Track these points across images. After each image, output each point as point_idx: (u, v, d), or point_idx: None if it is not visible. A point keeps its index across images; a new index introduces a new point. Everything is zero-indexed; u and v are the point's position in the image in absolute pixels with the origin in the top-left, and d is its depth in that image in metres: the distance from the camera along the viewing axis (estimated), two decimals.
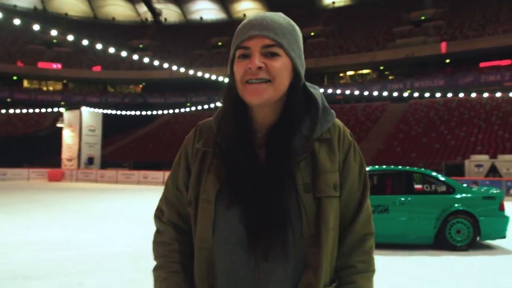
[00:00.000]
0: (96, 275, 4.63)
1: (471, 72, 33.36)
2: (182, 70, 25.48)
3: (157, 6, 58.13)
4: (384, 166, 7.76)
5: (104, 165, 29.45)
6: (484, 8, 37.47)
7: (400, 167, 7.13)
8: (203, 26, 55.77)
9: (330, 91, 29.11)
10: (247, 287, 0.91)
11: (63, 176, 27.06)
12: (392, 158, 24.49)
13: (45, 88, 47.16)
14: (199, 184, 0.97)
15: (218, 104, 31.03)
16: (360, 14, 45.41)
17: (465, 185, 6.89)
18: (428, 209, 6.34)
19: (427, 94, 29.26)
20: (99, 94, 45.94)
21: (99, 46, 23.42)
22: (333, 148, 0.97)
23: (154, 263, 1.03)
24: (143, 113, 35.91)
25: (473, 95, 25.90)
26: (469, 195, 6.47)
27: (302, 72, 0.97)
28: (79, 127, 28.22)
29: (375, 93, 27.96)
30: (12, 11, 44.05)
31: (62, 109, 30.80)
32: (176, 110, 34.61)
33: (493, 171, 17.66)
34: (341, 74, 41.65)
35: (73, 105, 31.55)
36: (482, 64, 34.25)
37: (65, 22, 49.13)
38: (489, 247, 6.52)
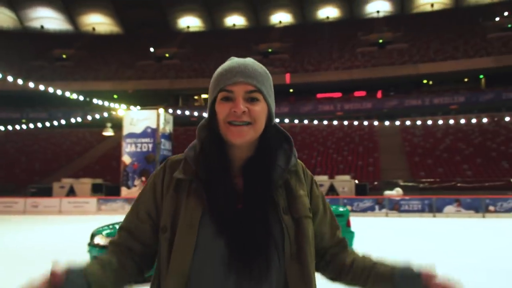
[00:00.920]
0: None
1: (310, 101, 37.46)
2: (19, 82, 22.40)
3: None
4: None
5: None
6: (320, 47, 42.82)
7: None
8: (44, 36, 50.56)
9: (187, 113, 29.15)
10: None
11: None
12: None
13: None
14: (176, 210, 1.03)
15: (62, 121, 28.27)
16: (214, 41, 47.21)
17: None
18: None
19: (277, 120, 31.62)
20: None
21: None
22: (300, 178, 1.13)
23: None
24: None
25: (315, 122, 29.07)
26: None
27: (273, 113, 1.10)
28: None
29: None
30: None
31: None
32: (9, 127, 30.13)
33: (332, 190, 19.93)
34: (195, 97, 42.28)
35: None
36: (319, 95, 38.85)
37: None
38: None
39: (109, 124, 25.23)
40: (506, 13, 39.04)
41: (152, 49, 45.51)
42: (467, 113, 32.30)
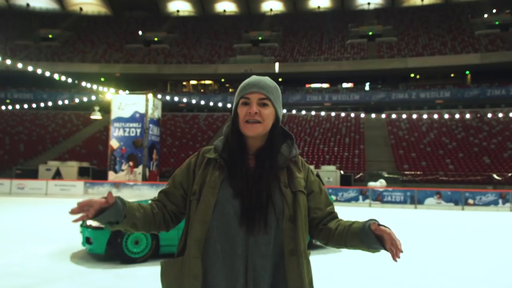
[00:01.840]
0: None
1: (299, 91, 37.61)
2: (8, 62, 21.98)
3: None
4: None
5: None
6: (309, 37, 42.85)
7: None
8: (30, 14, 49.44)
9: (176, 98, 29.02)
10: (240, 248, 1.34)
11: None
12: None
13: None
14: (205, 180, 1.43)
15: (49, 103, 27.86)
16: (204, 26, 46.79)
17: None
18: None
19: None
20: None
21: None
22: (299, 167, 1.53)
23: None
24: None
25: (303, 112, 29.24)
26: None
27: (280, 116, 1.50)
28: None
29: (220, 104, 29.07)
30: None
31: None
32: None
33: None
34: (184, 83, 42.02)
35: None
36: (307, 85, 39.01)
37: None
38: (322, 248, 7.39)
39: (97, 108, 24.98)
40: (494, 11, 39.56)
41: (140, 33, 44.91)
42: (452, 108, 32.89)
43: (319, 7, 51.13)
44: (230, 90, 39.65)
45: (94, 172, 21.98)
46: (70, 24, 48.41)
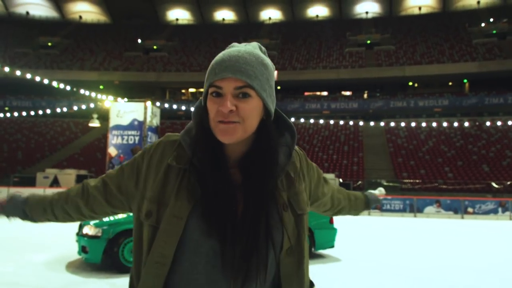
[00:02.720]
0: None
1: (298, 99, 37.67)
2: (6, 69, 21.96)
3: None
4: None
5: None
6: (308, 45, 43.04)
7: None
8: (29, 22, 49.59)
9: (174, 106, 29.00)
10: None
11: None
12: None
13: None
14: (164, 197, 0.99)
15: (48, 111, 27.86)
16: (203, 34, 46.99)
17: None
18: None
19: None
20: None
21: None
22: (295, 167, 1.10)
23: None
24: None
25: (302, 120, 29.27)
26: None
27: (272, 108, 1.02)
28: None
29: None
30: None
31: None
32: None
33: None
34: (183, 90, 42.08)
35: None
36: (306, 93, 39.09)
37: None
38: (321, 256, 7.33)
39: (95, 115, 24.96)
40: (491, 19, 39.82)
41: (139, 41, 45.06)
42: (451, 117, 32.95)
43: (317, 15, 51.42)
44: None
45: None
46: (69, 32, 48.57)
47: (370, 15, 50.03)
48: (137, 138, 19.39)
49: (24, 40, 44.50)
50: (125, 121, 19.49)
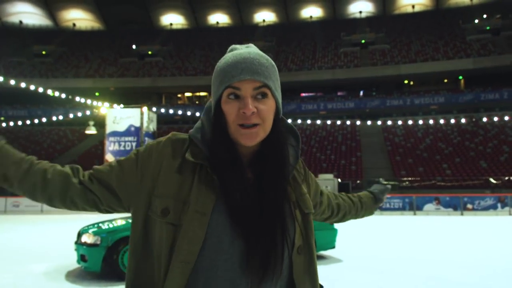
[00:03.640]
0: None
1: (294, 101, 37.70)
2: (0, 79, 21.89)
3: None
4: None
5: None
6: (303, 46, 43.11)
7: None
8: (23, 31, 49.50)
9: (171, 111, 28.96)
10: None
11: None
12: None
13: None
14: (181, 193, 0.97)
15: (44, 119, 27.77)
16: (197, 38, 47.00)
17: None
18: None
19: None
20: None
21: None
22: (300, 175, 1.15)
23: None
24: None
25: (299, 121, 29.27)
26: None
27: (281, 106, 1.05)
28: None
29: None
30: None
31: None
32: None
33: None
34: (179, 95, 42.05)
35: None
36: (302, 94, 39.10)
37: None
38: (322, 257, 7.29)
39: (91, 122, 24.89)
40: (485, 16, 40.00)
41: (134, 46, 45.03)
42: (447, 113, 33.02)
43: (311, 16, 51.54)
44: None
45: None
46: (63, 40, 48.50)
47: (364, 15, 50.19)
48: (134, 144, 19.34)
49: (18, 49, 44.40)
50: (121, 127, 19.44)
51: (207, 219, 0.94)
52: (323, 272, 6.06)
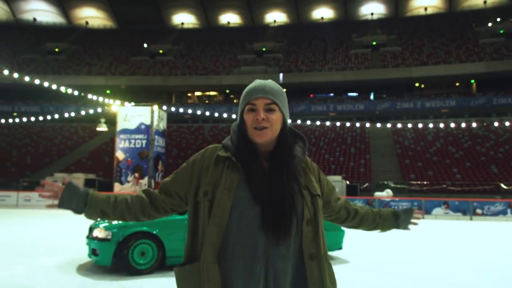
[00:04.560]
0: None
1: (304, 102, 37.66)
2: (7, 73, 22.21)
3: None
4: None
5: None
6: (313, 47, 43.03)
7: None
8: (37, 29, 50.14)
9: (181, 110, 29.11)
10: (260, 251, 1.31)
11: None
12: None
13: None
14: (216, 180, 1.39)
15: (56, 116, 28.06)
16: (208, 38, 47.16)
17: None
18: None
19: None
20: None
21: None
22: (309, 169, 1.53)
23: None
24: None
25: (308, 122, 29.24)
26: None
27: (288, 121, 1.49)
28: None
29: (225, 115, 29.09)
30: None
31: None
32: (2, 120, 29.83)
33: None
34: (189, 94, 42.24)
35: None
36: (312, 96, 39.04)
37: None
38: (329, 258, 7.31)
39: (103, 120, 25.13)
40: (498, 19, 39.56)
41: (145, 45, 45.34)
42: (458, 117, 32.73)
43: (322, 17, 51.42)
44: (235, 101, 39.71)
45: (100, 184, 22.02)
46: (76, 37, 49.01)
47: (375, 16, 49.94)
48: (144, 142, 19.52)
49: (31, 46, 44.98)
50: (132, 125, 19.63)
51: (233, 193, 1.35)
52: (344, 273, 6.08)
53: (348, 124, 32.84)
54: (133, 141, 19.60)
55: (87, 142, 34.42)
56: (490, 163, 25.58)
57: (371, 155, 28.77)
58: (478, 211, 17.45)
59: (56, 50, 45.11)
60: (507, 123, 28.56)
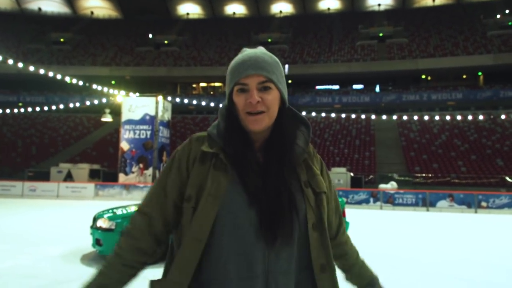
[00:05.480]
0: None
1: (309, 93, 37.49)
2: (11, 62, 22.20)
3: None
4: None
5: None
6: (319, 38, 42.73)
7: None
8: (42, 18, 50.09)
9: (186, 101, 29.06)
10: (259, 267, 1.06)
11: None
12: None
13: None
14: (202, 181, 1.11)
15: (61, 106, 28.15)
16: (213, 29, 46.95)
17: None
18: None
19: None
20: None
21: None
22: (313, 159, 1.24)
23: None
24: None
25: (313, 114, 29.15)
26: None
27: (286, 97, 1.20)
28: None
29: None
30: None
31: None
32: (7, 110, 29.95)
33: None
34: (193, 85, 42.18)
35: None
36: (317, 87, 38.87)
37: None
38: None
39: (107, 110, 25.15)
40: (507, 11, 39.03)
41: (150, 36, 45.22)
42: (465, 110, 32.48)
43: (328, 8, 50.98)
44: None
45: (105, 174, 22.13)
46: (81, 27, 48.94)
47: (382, 7, 49.45)
48: (148, 133, 19.53)
49: (36, 36, 44.98)
50: (137, 116, 19.63)
51: (218, 201, 1.07)
52: None
53: (353, 116, 32.70)
54: (137, 131, 19.61)
55: (92, 132, 34.53)
56: (495, 156, 25.41)
57: (376, 147, 28.66)
58: (483, 204, 17.36)
59: (61, 40, 45.09)
60: None
